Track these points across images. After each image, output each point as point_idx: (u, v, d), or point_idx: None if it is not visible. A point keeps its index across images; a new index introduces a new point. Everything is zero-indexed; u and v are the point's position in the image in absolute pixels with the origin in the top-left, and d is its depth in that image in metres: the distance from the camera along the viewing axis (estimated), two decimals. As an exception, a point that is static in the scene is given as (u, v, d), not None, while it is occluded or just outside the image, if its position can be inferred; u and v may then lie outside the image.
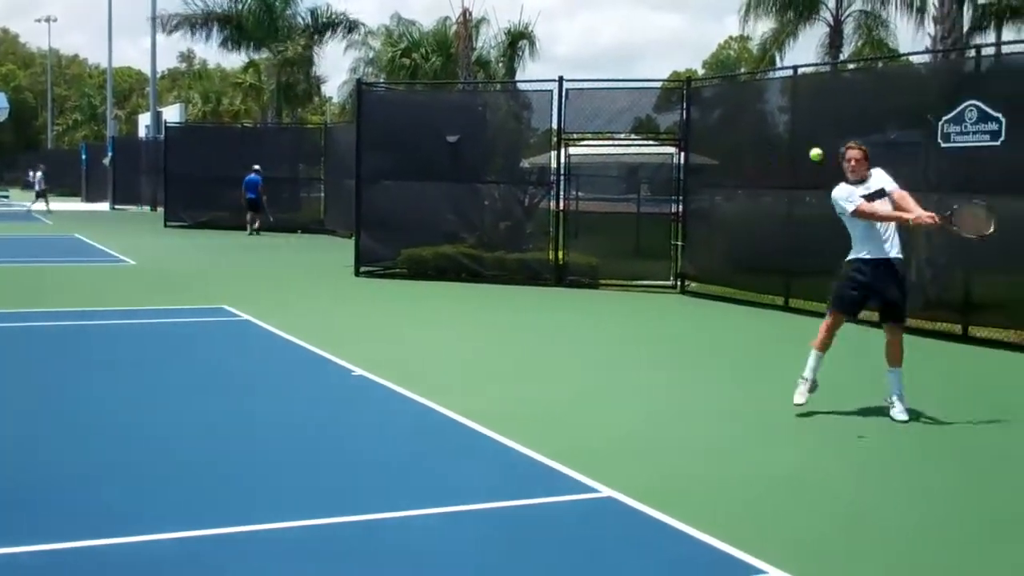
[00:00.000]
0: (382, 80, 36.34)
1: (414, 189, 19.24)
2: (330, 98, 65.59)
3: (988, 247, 12.38)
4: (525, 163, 20.14)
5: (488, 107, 21.19)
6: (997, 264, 12.61)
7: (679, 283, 17.53)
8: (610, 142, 18.98)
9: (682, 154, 17.60)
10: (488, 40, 36.09)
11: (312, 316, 14.15)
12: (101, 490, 6.21)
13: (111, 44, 69.72)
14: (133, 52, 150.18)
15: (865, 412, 8.67)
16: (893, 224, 8.54)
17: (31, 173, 46.89)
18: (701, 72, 71.32)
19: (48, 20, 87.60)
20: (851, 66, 25.24)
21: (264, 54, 42.29)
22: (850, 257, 8.66)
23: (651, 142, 19.04)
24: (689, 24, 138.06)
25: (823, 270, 14.49)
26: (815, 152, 9.35)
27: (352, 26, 40.48)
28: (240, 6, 39.39)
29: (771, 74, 22.35)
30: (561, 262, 18.27)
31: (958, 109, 12.50)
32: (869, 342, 10.19)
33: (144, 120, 52.65)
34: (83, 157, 56.42)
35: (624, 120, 18.61)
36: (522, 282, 18.10)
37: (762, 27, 33.32)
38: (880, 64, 20.63)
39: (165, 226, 33.94)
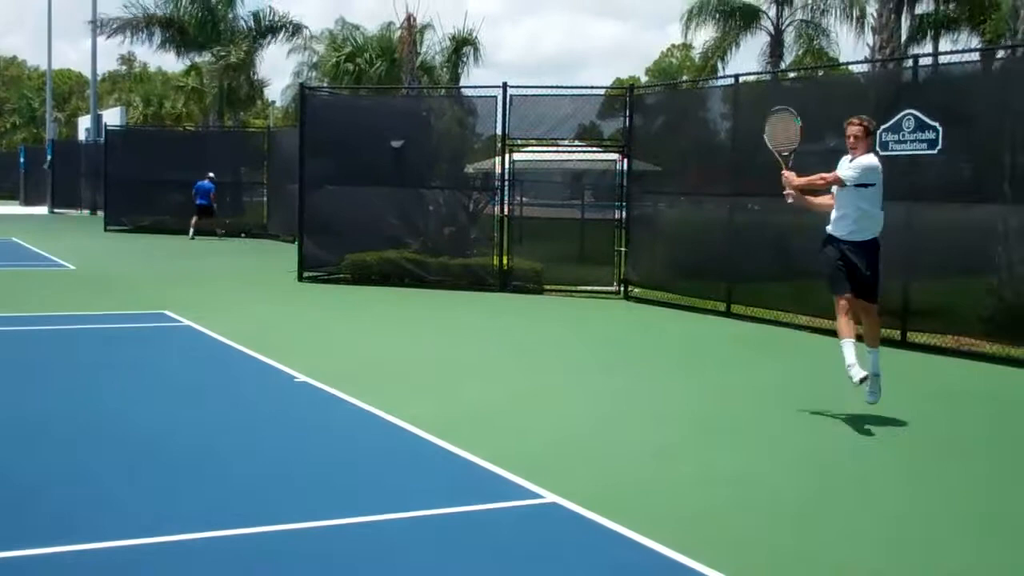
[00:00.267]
0: (326, 84, 36.17)
1: (358, 194, 19.17)
2: (273, 102, 65.21)
3: (926, 253, 12.66)
4: (469, 168, 20.15)
5: (432, 112, 21.19)
6: (935, 270, 12.84)
7: (623, 288, 17.63)
8: (554, 148, 19.05)
9: (625, 161, 17.71)
10: (432, 46, 36.12)
11: (254, 322, 14.04)
12: (39, 498, 6.12)
13: (50, 46, 68.52)
14: (73, 54, 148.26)
15: (808, 414, 8.77)
16: (863, 209, 8.44)
17: None
18: (644, 79, 71.78)
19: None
20: (792, 75, 25.54)
21: (206, 57, 41.91)
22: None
23: (595, 148, 19.14)
24: (632, 32, 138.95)
25: (764, 276, 14.72)
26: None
27: (296, 30, 40.29)
28: (181, 9, 39.02)
29: (713, 82, 22.57)
30: (505, 267, 18.30)
31: (896, 118, 12.69)
32: (825, 354, 10.33)
33: (84, 123, 51.93)
34: (21, 160, 55.55)
35: (568, 126, 18.69)
36: (466, 287, 18.11)
37: (703, 35, 33.71)
38: (820, 73, 20.91)
39: (105, 230, 33.52)
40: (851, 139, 8.57)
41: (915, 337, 12.60)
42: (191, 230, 30.21)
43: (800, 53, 32.48)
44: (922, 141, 12.39)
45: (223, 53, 39.73)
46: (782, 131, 8.55)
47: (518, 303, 16.79)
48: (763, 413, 9.00)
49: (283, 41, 40.74)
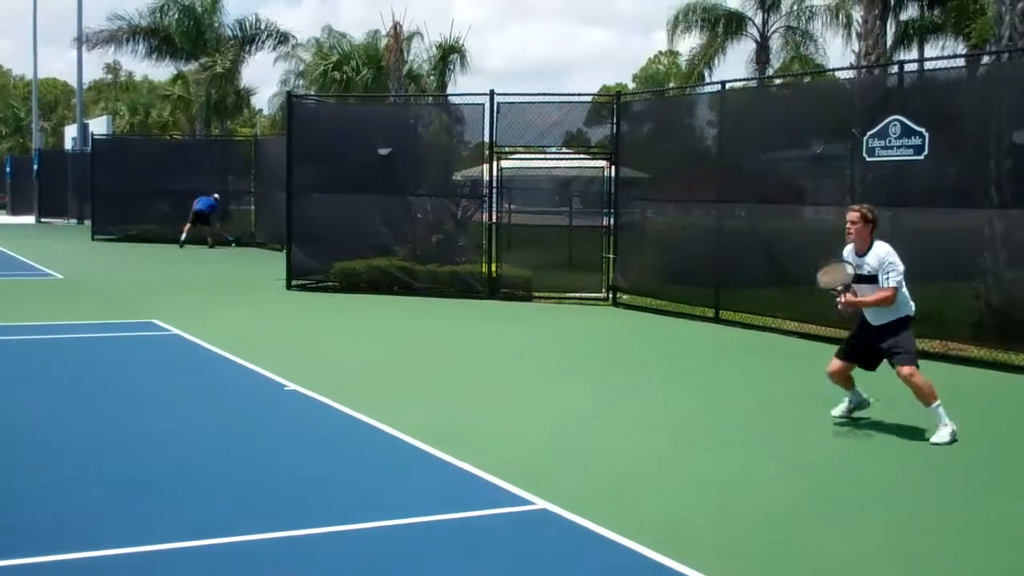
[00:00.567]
0: (313, 93, 36.16)
1: (346, 202, 19.18)
2: (260, 110, 65.16)
3: (913, 258, 12.71)
4: (457, 176, 20.15)
5: (420, 120, 21.20)
6: (922, 275, 12.87)
7: (611, 295, 17.65)
8: (542, 155, 19.08)
9: (613, 168, 17.75)
10: (420, 54, 36.14)
11: (244, 330, 14.03)
12: (23, 507, 6.11)
13: (36, 56, 68.45)
14: (59, 63, 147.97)
15: (796, 419, 8.81)
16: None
17: None
18: (631, 86, 71.93)
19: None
20: (778, 81, 25.63)
21: (193, 66, 41.86)
22: (912, 311, 8.55)
23: (582, 156, 19.18)
24: (618, 39, 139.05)
25: (752, 282, 14.77)
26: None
27: (283, 39, 40.24)
28: (166, 18, 38.96)
29: (700, 89, 22.60)
30: (494, 275, 18.31)
31: (882, 124, 12.75)
32: (813, 359, 10.37)
33: (70, 132, 51.79)
34: (7, 169, 55.35)
35: (555, 134, 18.74)
36: (455, 295, 18.12)
37: (689, 42, 33.84)
38: (806, 79, 20.98)
39: (93, 239, 33.42)
40: (849, 227, 8.48)
41: (903, 342, 12.62)
42: (183, 234, 30.15)
43: (787, 59, 32.60)
44: (908, 147, 12.45)
45: (209, 64, 39.69)
46: (834, 273, 8.51)
47: (507, 310, 16.80)
48: (751, 418, 9.03)
49: (270, 50, 40.73)
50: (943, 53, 29.45)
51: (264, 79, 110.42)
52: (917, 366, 8.32)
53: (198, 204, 30.30)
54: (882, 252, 8.37)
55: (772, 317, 14.37)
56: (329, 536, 5.75)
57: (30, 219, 46.55)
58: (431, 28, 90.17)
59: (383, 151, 19.01)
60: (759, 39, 32.49)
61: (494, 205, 18.51)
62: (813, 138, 14.50)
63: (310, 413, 8.94)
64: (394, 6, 50.97)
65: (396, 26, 26.45)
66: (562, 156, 19.36)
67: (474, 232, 19.07)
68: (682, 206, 17.18)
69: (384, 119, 21.07)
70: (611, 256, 17.75)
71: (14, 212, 52.75)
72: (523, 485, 6.61)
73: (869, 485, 7.05)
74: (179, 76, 47.35)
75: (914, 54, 30.28)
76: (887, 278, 8.28)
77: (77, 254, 27.75)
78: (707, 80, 31.95)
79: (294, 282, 19.17)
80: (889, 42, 17.36)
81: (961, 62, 19.83)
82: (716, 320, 15.26)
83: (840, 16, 31.12)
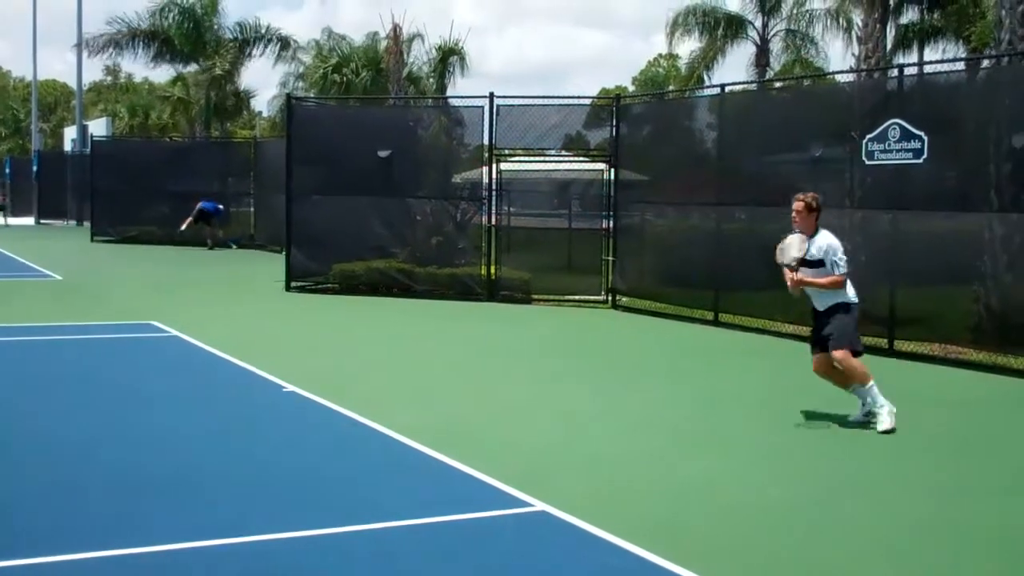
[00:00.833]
0: (312, 95, 36.16)
1: (345, 204, 19.19)
2: (260, 112, 65.13)
3: (912, 262, 12.73)
4: (457, 178, 20.16)
5: (419, 123, 21.20)
6: (921, 278, 12.90)
7: (610, 298, 17.66)
8: (541, 158, 19.09)
9: (612, 170, 17.75)
10: (419, 56, 36.11)
11: (242, 332, 14.03)
12: (24, 507, 6.11)
13: (35, 57, 68.52)
14: (59, 65, 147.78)
15: (795, 421, 8.81)
16: None
17: None
18: (631, 88, 71.99)
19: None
20: (778, 85, 25.65)
21: (192, 68, 41.85)
22: (853, 300, 8.90)
23: (582, 158, 19.18)
24: (617, 42, 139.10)
25: (751, 284, 14.76)
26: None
27: (284, 43, 40.15)
28: (166, 20, 38.94)
29: (699, 92, 22.62)
30: (493, 277, 18.31)
31: (881, 127, 12.75)
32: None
33: (70, 134, 51.79)
34: (7, 171, 55.32)
35: (555, 136, 18.74)
36: (454, 297, 18.12)
37: (688, 46, 33.82)
38: (806, 83, 20.99)
39: (92, 240, 33.43)
40: (794, 215, 8.93)
41: (902, 345, 12.64)
42: (208, 241, 30.30)
43: (788, 63, 32.60)
44: (907, 151, 12.45)
45: (208, 66, 39.67)
46: (789, 249, 8.89)
47: (506, 312, 16.81)
48: (750, 420, 9.04)
49: (270, 53, 40.65)
50: (943, 57, 29.47)
51: (264, 81, 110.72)
52: (855, 353, 8.76)
53: (203, 204, 30.44)
54: (828, 240, 8.82)
55: (771, 320, 14.36)
56: (328, 537, 5.74)
57: (29, 220, 46.53)
58: (430, 30, 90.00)
59: (383, 153, 19.02)
60: (759, 42, 32.49)
61: (493, 207, 18.53)
62: (812, 141, 14.50)
63: (309, 414, 8.94)
64: (393, 8, 51.13)
65: (396, 28, 26.43)
66: (561, 159, 19.37)
67: (473, 234, 19.08)
68: (681, 209, 17.18)
69: (384, 121, 21.08)
70: (610, 259, 17.76)
71: (13, 214, 52.74)
72: (522, 487, 6.61)
73: (867, 486, 7.05)
74: (179, 78, 47.32)
75: (914, 58, 30.28)
76: (836, 264, 8.73)
77: (76, 255, 27.75)
78: (707, 83, 31.96)
79: (293, 284, 19.18)
80: (889, 45, 17.33)
81: (961, 66, 19.86)
82: (715, 323, 15.26)
83: (840, 19, 31.15)
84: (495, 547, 5.69)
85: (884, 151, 12.74)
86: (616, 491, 6.78)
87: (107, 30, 39.17)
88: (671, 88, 53.17)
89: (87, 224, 37.09)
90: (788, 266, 8.84)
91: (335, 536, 5.77)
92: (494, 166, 18.36)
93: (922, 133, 12.32)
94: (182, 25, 38.72)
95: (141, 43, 39.46)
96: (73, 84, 54.91)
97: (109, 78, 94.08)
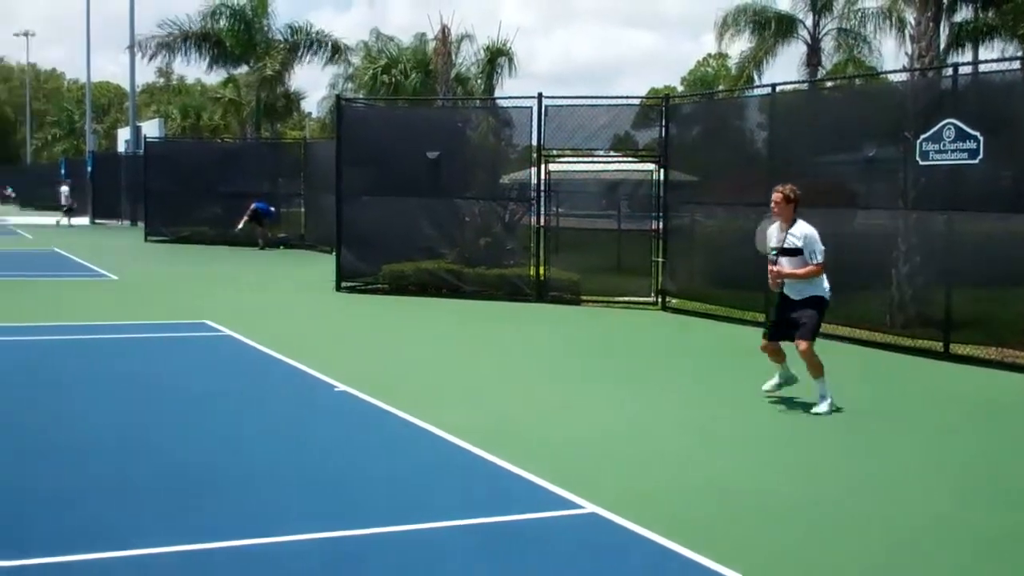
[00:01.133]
0: (362, 96, 36.32)
1: (394, 205, 19.27)
2: (309, 113, 65.56)
3: (968, 263, 12.57)
4: (505, 179, 20.18)
5: (468, 123, 21.24)
6: (978, 280, 12.72)
7: (660, 299, 17.58)
8: (590, 159, 19.06)
9: (662, 171, 17.68)
10: (467, 57, 36.17)
11: (294, 331, 14.13)
12: (87, 504, 6.20)
13: (89, 59, 69.33)
14: (112, 67, 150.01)
15: (847, 426, 8.74)
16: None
17: (59, 189, 46.99)
18: (679, 89, 71.67)
19: (26, 35, 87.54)
20: (829, 84, 25.41)
21: (243, 69, 42.18)
22: (828, 293, 9.44)
23: (631, 159, 19.12)
24: (664, 42, 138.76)
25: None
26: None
27: (335, 49, 40.28)
28: (217, 23, 39.27)
29: (750, 92, 22.46)
30: (542, 278, 18.31)
31: (936, 127, 12.60)
32: (865, 365, 10.24)
33: (123, 135, 52.44)
34: (63, 172, 56.10)
35: (603, 137, 18.69)
36: (503, 298, 18.13)
37: (739, 45, 33.51)
38: (858, 82, 20.78)
39: (146, 240, 33.84)
40: (773, 205, 9.48)
41: (958, 348, 12.47)
42: (260, 241, 30.61)
43: (841, 62, 32.26)
44: (963, 151, 12.29)
45: (259, 66, 39.96)
46: (773, 238, 9.61)
47: (555, 313, 16.79)
48: (798, 422, 8.96)
49: (323, 60, 40.72)
50: (998, 55, 29.05)
51: (313, 83, 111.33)
52: (812, 342, 9.31)
53: (256, 204, 30.77)
54: (806, 230, 9.34)
55: (824, 322, 14.18)
56: (377, 537, 5.77)
57: (84, 220, 47.16)
58: (479, 31, 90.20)
59: (431, 154, 19.07)
60: (810, 41, 32.19)
61: (542, 208, 18.53)
62: (865, 141, 14.35)
63: (360, 414, 8.99)
64: (442, 10, 51.20)
65: (444, 29, 26.47)
66: (610, 159, 19.32)
67: (522, 235, 19.09)
68: (731, 209, 17.05)
69: (432, 122, 21.13)
70: (660, 259, 17.68)
71: (66, 213, 53.45)
72: (571, 488, 6.60)
73: (921, 490, 6.97)
74: (230, 79, 47.74)
75: (967, 56, 29.89)
76: (814, 254, 9.25)
77: (131, 255, 28.09)
78: (757, 83, 31.73)
79: (343, 284, 19.29)
80: (943, 44, 17.11)
81: (1016, 64, 19.56)
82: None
83: (893, 18, 30.77)
84: (545, 548, 5.68)
85: (939, 151, 12.59)
86: (666, 493, 6.76)
87: (159, 32, 39.60)
88: (721, 88, 52.87)
89: (141, 224, 37.56)
90: (768, 258, 9.40)
91: (385, 535, 5.79)
92: (542, 167, 18.35)
93: (977, 133, 12.16)
94: (233, 27, 39.01)
95: (192, 45, 39.82)
96: (126, 86, 55.62)
97: (162, 80, 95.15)
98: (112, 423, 8.44)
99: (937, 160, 12.62)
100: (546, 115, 18.12)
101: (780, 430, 8.74)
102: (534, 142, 18.46)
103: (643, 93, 60.76)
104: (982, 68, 15.94)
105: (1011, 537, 6.09)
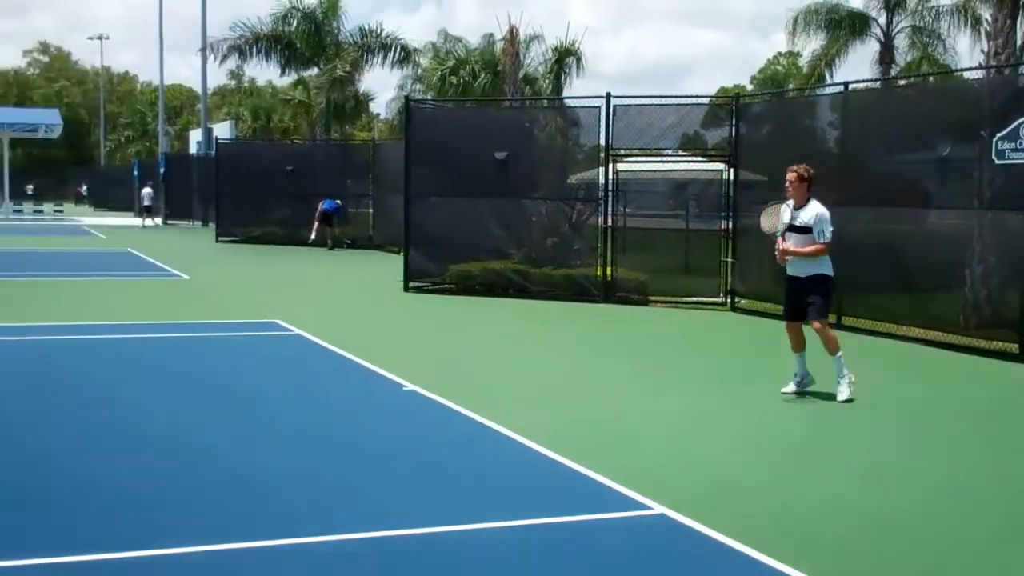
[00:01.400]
0: (430, 97, 36.49)
1: (462, 205, 19.33)
2: (378, 114, 65.98)
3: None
4: (572, 179, 20.14)
5: (536, 124, 21.23)
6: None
7: (729, 300, 17.44)
8: (658, 158, 18.95)
9: (732, 170, 17.53)
10: (535, 57, 36.15)
11: (363, 331, 14.24)
12: (152, 502, 6.29)
13: (162, 62, 70.66)
14: (184, 70, 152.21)
15: (909, 432, 8.60)
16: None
17: (141, 190, 47.97)
18: (749, 88, 71.09)
19: (100, 38, 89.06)
20: (903, 82, 25.05)
21: (313, 71, 42.55)
22: (832, 271, 9.78)
23: (699, 158, 18.98)
24: (733, 41, 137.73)
25: (876, 287, 14.44)
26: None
27: (405, 51, 40.44)
28: (288, 26, 39.65)
29: (822, 90, 22.19)
30: (609, 278, 18.25)
31: (1012, 125, 12.36)
32: (937, 367, 10.08)
33: (195, 136, 53.24)
34: (135, 173, 57.09)
35: (672, 136, 18.57)
36: (570, 298, 18.10)
37: (811, 44, 33.09)
38: (932, 80, 20.45)
39: (217, 241, 34.30)
40: (787, 185, 9.73)
41: (1034, 350, 12.23)
42: (328, 241, 30.91)
43: (915, 60, 31.77)
44: (1040, 149, 12.04)
45: (329, 68, 40.28)
46: (774, 216, 10.05)
47: (623, 314, 16.73)
48: (863, 426, 8.83)
49: (393, 63, 40.90)
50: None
51: (382, 84, 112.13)
52: (825, 319, 9.76)
53: (324, 204, 31.03)
54: (818, 209, 9.58)
55: (895, 324, 14.02)
56: (445, 536, 5.78)
57: (157, 221, 47.92)
58: (547, 32, 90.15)
59: (499, 155, 19.08)
60: (883, 39, 31.74)
61: (609, 208, 18.47)
62: (939, 140, 14.11)
63: (428, 413, 9.02)
64: (510, 11, 51.25)
65: (512, 30, 26.50)
66: (679, 159, 19.20)
67: (589, 235, 19.04)
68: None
69: (500, 123, 21.15)
70: (729, 260, 17.54)
71: (140, 214, 54.38)
72: (641, 489, 6.57)
73: (981, 495, 6.84)
74: (300, 81, 48.21)
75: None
76: (822, 232, 9.52)
77: (202, 256, 28.48)
78: (828, 81, 31.36)
79: (411, 284, 19.40)
80: (1019, 42, 16.76)
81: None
82: (838, 326, 14.91)
83: (968, 15, 30.24)
84: (612, 549, 5.65)
85: (1015, 150, 12.34)
86: (736, 496, 6.68)
87: (230, 35, 40.10)
88: (792, 86, 52.34)
89: (212, 225, 38.07)
90: (775, 235, 9.65)
91: (453, 534, 5.80)
92: (610, 166, 18.30)
93: (1056, 131, 11.90)
94: (304, 29, 39.36)
95: (264, 48, 40.25)
96: (198, 88, 56.46)
97: (233, 82, 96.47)
98: (184, 421, 8.54)
99: (1013, 159, 12.37)
100: (614, 115, 18.06)
101: (853, 431, 8.61)
102: (602, 142, 18.41)
103: (711, 92, 60.39)
104: (1061, 65, 15.59)
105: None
